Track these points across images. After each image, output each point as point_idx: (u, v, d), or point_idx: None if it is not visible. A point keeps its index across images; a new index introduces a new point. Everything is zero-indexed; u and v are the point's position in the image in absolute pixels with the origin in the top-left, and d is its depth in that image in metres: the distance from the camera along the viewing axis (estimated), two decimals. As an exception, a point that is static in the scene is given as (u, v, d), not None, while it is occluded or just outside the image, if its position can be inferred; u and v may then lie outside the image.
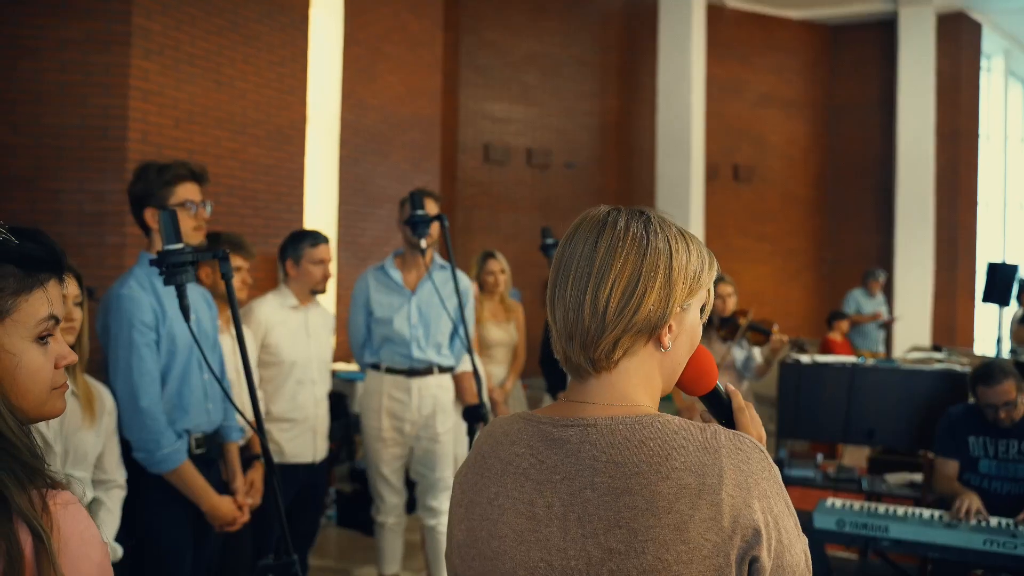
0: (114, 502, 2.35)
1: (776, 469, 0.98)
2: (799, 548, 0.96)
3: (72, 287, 2.15)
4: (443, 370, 3.56)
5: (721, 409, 1.15)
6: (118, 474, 2.37)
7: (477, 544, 1.05)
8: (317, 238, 3.33)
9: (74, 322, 2.15)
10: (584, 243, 1.03)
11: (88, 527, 0.99)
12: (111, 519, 2.33)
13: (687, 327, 1.05)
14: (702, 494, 0.92)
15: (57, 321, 1.07)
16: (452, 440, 3.59)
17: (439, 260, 3.64)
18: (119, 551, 2.27)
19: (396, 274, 3.53)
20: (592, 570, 0.95)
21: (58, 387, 1.08)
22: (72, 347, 2.15)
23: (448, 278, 3.56)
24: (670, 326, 1.02)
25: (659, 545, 0.92)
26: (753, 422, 1.13)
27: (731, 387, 1.15)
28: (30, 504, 0.94)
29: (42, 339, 1.06)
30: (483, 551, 1.04)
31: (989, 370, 3.35)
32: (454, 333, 3.59)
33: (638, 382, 1.03)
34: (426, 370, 3.51)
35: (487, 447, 1.09)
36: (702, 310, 1.09)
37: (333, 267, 6.47)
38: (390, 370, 3.51)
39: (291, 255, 3.31)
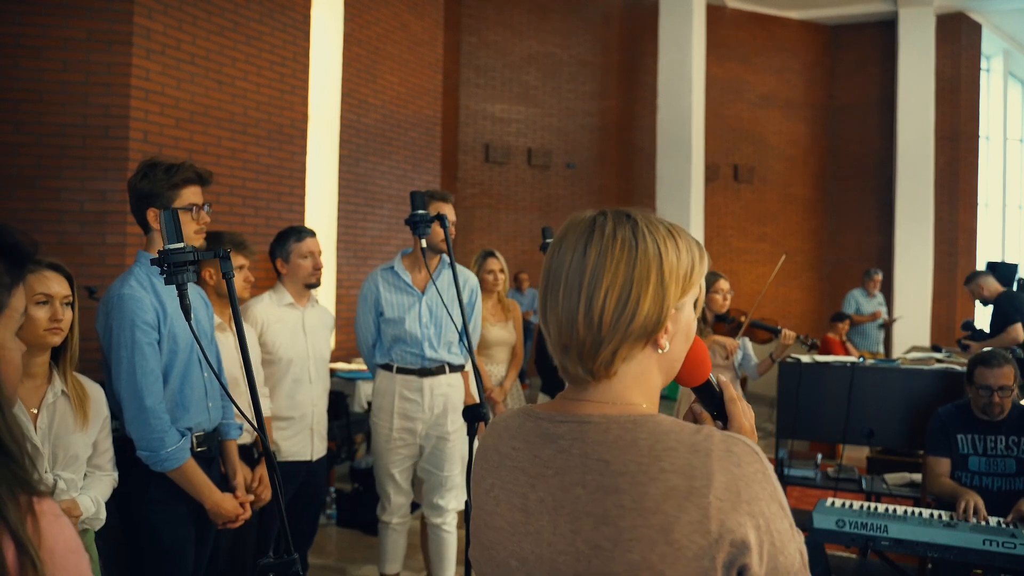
0: (104, 482, 2.29)
1: (770, 469, 0.97)
2: (793, 549, 0.95)
3: (63, 287, 2.11)
4: (454, 369, 3.56)
5: (713, 400, 1.16)
6: (109, 468, 2.33)
7: (477, 534, 1.08)
8: (302, 232, 3.35)
9: (61, 322, 2.10)
10: (573, 252, 1.02)
11: (72, 537, 0.97)
12: (100, 485, 2.26)
13: (682, 325, 1.05)
14: (690, 497, 0.91)
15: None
16: (461, 439, 3.59)
17: (446, 259, 3.64)
18: (103, 512, 2.22)
19: (406, 274, 3.54)
20: (579, 565, 0.95)
21: None
22: (62, 347, 2.15)
23: (456, 276, 3.57)
24: (666, 327, 1.02)
25: (645, 545, 0.92)
26: (745, 413, 1.13)
27: (723, 379, 1.15)
28: (17, 512, 0.92)
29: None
30: (481, 540, 1.07)
31: (991, 354, 3.40)
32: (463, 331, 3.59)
33: (634, 384, 1.03)
34: (438, 369, 3.51)
35: (489, 441, 1.11)
36: (696, 304, 1.09)
37: (333, 267, 6.55)
38: (401, 370, 3.50)
39: (280, 254, 3.34)
